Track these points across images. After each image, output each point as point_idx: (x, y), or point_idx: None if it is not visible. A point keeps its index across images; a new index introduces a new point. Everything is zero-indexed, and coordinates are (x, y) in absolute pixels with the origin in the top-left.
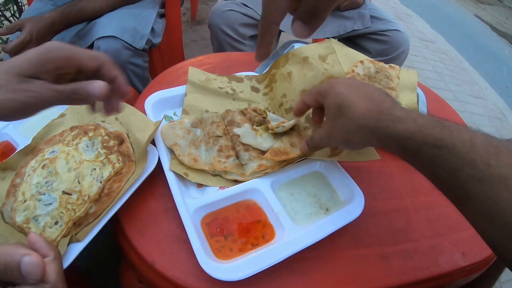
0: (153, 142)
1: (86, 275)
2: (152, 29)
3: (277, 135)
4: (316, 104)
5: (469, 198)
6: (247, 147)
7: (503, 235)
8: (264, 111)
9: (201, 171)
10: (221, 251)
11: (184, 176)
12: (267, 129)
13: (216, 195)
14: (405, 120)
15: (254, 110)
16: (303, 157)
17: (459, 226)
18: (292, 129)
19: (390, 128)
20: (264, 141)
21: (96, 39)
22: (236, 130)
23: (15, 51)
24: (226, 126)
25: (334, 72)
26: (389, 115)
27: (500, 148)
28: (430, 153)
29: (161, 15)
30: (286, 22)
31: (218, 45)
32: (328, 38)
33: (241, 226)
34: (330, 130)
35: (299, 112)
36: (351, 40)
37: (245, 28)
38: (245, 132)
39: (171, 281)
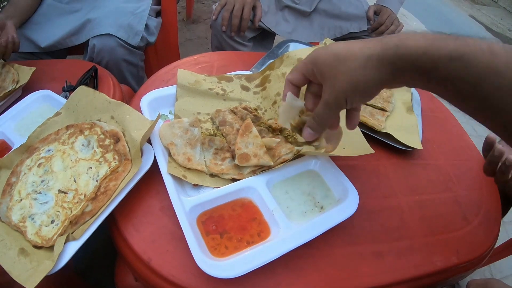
0: (149, 141)
1: (82, 275)
2: (147, 27)
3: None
4: (304, 79)
5: (498, 109)
6: None
7: None
8: (255, 109)
9: (199, 172)
10: (217, 249)
11: (183, 178)
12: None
13: (211, 193)
14: (413, 37)
15: (245, 108)
16: (298, 155)
17: (453, 225)
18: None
19: (400, 48)
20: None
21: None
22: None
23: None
24: (218, 126)
25: None
26: (393, 37)
27: None
28: (448, 67)
29: (157, 14)
30: (282, 25)
31: (218, 44)
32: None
33: (236, 224)
34: (334, 86)
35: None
36: (346, 40)
37: (247, 30)
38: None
39: (166, 279)
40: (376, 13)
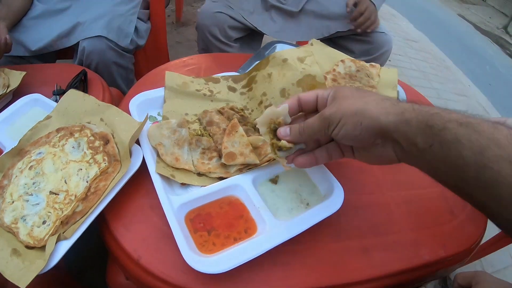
0: (138, 142)
1: (76, 277)
2: (137, 30)
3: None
4: (313, 102)
5: (499, 181)
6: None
7: None
8: (241, 109)
9: (187, 171)
10: (205, 246)
11: (171, 177)
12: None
13: (199, 191)
14: (427, 105)
15: (231, 109)
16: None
17: (440, 219)
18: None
19: (415, 103)
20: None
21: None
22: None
23: None
24: (205, 127)
25: (312, 71)
26: (409, 101)
27: None
28: (456, 131)
29: (147, 18)
30: (269, 24)
31: (204, 47)
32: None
33: (224, 221)
34: (338, 104)
35: (290, 106)
36: (335, 41)
37: (232, 31)
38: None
39: (156, 276)
40: (355, 5)
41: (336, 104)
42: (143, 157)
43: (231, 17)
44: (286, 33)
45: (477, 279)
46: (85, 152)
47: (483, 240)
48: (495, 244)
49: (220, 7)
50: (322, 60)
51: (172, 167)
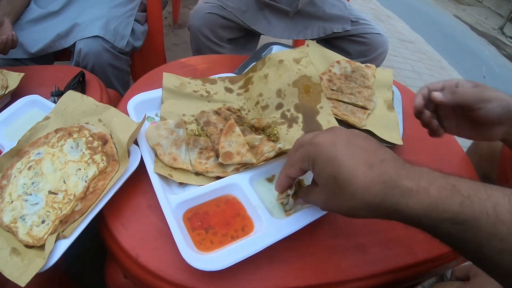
0: (136, 143)
1: (75, 279)
2: (134, 32)
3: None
4: (303, 173)
5: (499, 267)
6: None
7: None
8: (238, 110)
9: (184, 171)
10: (203, 244)
11: (169, 177)
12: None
13: (197, 190)
14: (417, 192)
15: (228, 109)
16: (280, 152)
17: None
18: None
19: (401, 205)
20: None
21: (78, 40)
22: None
23: None
24: (202, 127)
25: (307, 72)
26: (397, 187)
27: None
28: (449, 230)
29: (144, 21)
30: (262, 23)
31: (197, 48)
32: (308, 39)
33: (221, 220)
34: (327, 203)
35: (284, 187)
36: (330, 42)
37: (224, 31)
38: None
39: (154, 274)
40: None
41: (326, 193)
42: (141, 157)
43: (223, 17)
44: (281, 31)
45: (475, 271)
46: (83, 152)
47: None
48: None
49: (211, 8)
50: (318, 61)
51: (170, 166)
